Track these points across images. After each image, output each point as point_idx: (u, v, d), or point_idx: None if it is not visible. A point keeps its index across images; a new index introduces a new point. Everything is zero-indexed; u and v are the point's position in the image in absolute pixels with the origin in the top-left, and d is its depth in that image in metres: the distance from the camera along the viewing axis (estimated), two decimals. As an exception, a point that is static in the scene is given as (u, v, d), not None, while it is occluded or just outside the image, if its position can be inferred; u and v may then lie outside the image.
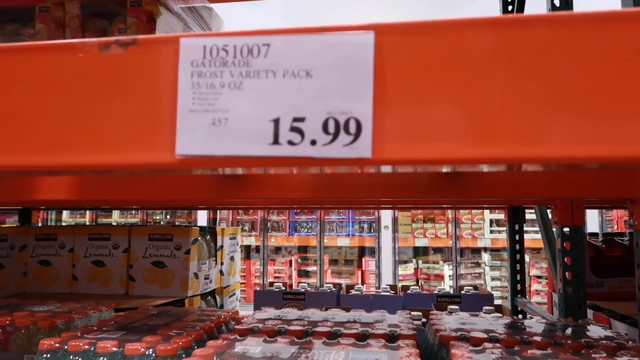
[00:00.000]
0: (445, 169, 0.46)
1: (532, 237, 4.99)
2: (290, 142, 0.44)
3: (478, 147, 0.42)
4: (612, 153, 0.41)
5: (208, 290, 1.99)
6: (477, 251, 5.95)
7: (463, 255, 5.90)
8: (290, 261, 5.63)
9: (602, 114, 0.40)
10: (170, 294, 1.80)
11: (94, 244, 1.90)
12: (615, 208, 2.19)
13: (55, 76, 0.49)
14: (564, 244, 1.58)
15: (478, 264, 5.73)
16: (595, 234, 2.29)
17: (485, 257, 5.58)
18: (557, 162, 0.42)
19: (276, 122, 0.45)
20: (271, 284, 2.15)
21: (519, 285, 2.14)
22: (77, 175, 1.18)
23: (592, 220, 4.96)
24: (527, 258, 5.72)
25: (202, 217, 5.40)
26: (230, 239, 2.24)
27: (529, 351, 0.89)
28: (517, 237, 2.14)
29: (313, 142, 0.44)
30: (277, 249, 6.11)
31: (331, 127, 0.44)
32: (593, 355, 0.89)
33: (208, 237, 2.06)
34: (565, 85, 0.40)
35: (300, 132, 0.44)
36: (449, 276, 5.40)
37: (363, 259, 5.66)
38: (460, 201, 1.52)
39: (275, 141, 0.45)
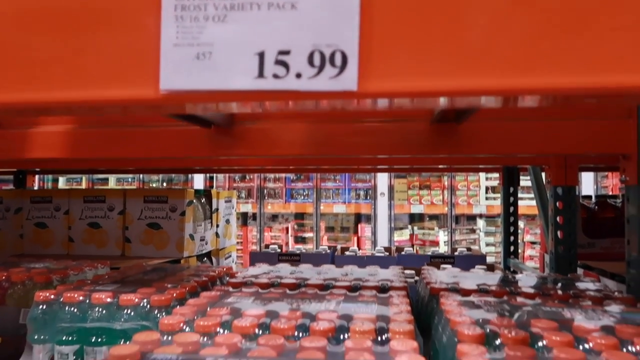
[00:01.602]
0: (441, 102, 0.45)
1: (527, 203, 5.02)
2: (276, 76, 0.44)
3: (468, 78, 0.42)
4: (611, 83, 0.40)
5: (204, 251, 2.01)
6: (472, 218, 6.00)
7: (458, 222, 5.95)
8: (287, 228, 5.67)
9: (600, 40, 0.40)
10: (166, 255, 1.82)
11: (89, 206, 1.91)
12: (609, 170, 2.20)
13: (36, 10, 0.48)
14: (557, 204, 1.59)
15: (473, 231, 5.79)
16: (589, 197, 2.31)
17: (480, 223, 5.63)
18: (553, 92, 0.41)
19: (261, 55, 0.44)
20: (267, 246, 2.17)
21: (512, 247, 2.16)
22: (66, 119, 1.18)
23: (588, 187, 4.99)
24: (521, 224, 5.78)
25: (198, 184, 5.41)
26: (226, 202, 2.25)
27: (518, 299, 0.91)
28: (511, 200, 2.15)
29: (298, 75, 0.43)
30: (274, 217, 6.15)
31: (316, 60, 0.43)
32: (580, 304, 0.90)
33: (203, 200, 2.07)
34: (560, 7, 0.40)
35: (285, 65, 0.44)
36: (444, 242, 5.46)
37: (359, 226, 5.70)
38: (456, 160, 1.52)
39: (260, 74, 0.44)
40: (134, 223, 1.88)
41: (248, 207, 5.63)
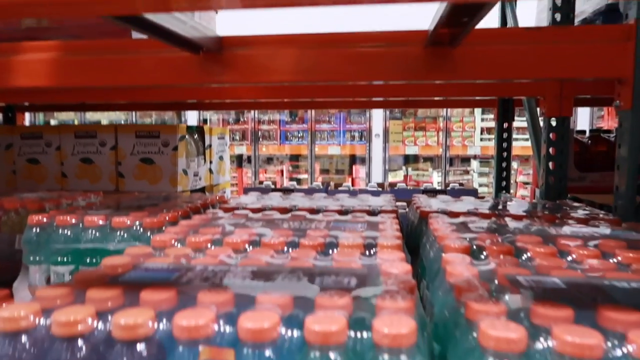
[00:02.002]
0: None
1: (521, 144, 5.04)
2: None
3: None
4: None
5: (197, 187, 2.02)
6: (466, 160, 6.02)
7: (452, 164, 5.98)
8: (282, 170, 5.68)
9: None
10: (159, 190, 1.82)
11: (80, 141, 1.89)
12: (605, 104, 2.18)
13: None
14: (550, 135, 1.59)
15: (467, 172, 5.82)
16: (583, 132, 2.31)
17: (474, 164, 5.65)
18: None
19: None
20: (261, 182, 2.18)
21: (504, 182, 2.18)
22: (51, 45, 1.15)
23: (583, 124, 4.99)
24: (514, 165, 5.81)
25: (191, 122, 5.36)
26: (219, 138, 2.24)
27: (506, 219, 0.92)
28: (505, 136, 2.15)
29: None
30: (269, 159, 6.14)
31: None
32: (566, 223, 0.92)
33: (196, 136, 2.05)
34: None
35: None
36: (438, 183, 5.50)
37: (353, 167, 5.73)
38: (451, 90, 1.50)
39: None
40: (127, 158, 1.87)
41: (242, 149, 5.61)
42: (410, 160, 6.02)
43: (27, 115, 2.52)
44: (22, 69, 1.19)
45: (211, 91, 1.61)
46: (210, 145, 2.15)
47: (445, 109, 5.51)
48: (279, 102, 1.94)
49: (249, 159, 5.80)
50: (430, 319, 0.64)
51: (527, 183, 5.42)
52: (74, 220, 0.93)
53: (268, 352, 0.45)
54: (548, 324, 0.45)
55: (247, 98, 1.61)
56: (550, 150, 1.59)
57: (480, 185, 5.53)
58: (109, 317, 0.47)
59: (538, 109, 1.84)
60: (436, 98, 1.77)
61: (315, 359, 0.44)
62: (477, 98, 1.82)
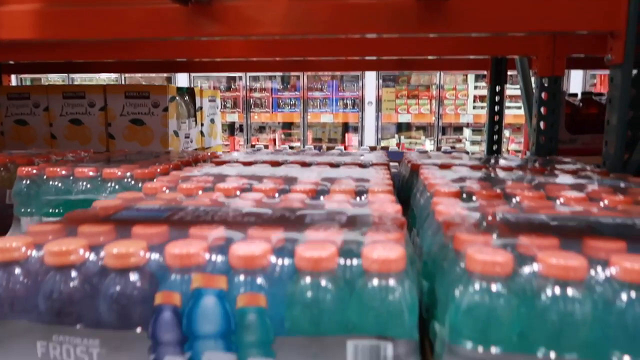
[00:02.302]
0: None
1: (514, 112, 5.04)
2: None
3: None
4: None
5: (189, 149, 2.01)
6: (459, 129, 6.02)
7: (445, 133, 5.97)
8: (274, 139, 5.66)
9: None
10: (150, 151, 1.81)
11: (69, 102, 1.87)
12: (597, 67, 2.18)
13: None
14: (542, 95, 1.59)
15: (459, 140, 5.83)
16: (574, 95, 2.31)
17: (467, 132, 5.66)
18: None
19: None
20: (253, 146, 2.17)
21: (495, 146, 2.18)
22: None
23: (576, 88, 4.98)
24: (507, 133, 5.83)
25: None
26: (210, 101, 2.21)
27: (496, 170, 0.93)
28: (497, 99, 2.14)
29: None
30: (261, 128, 6.10)
31: None
32: (556, 173, 0.93)
33: (187, 98, 2.03)
34: None
35: None
36: (430, 150, 5.51)
37: (346, 135, 5.71)
38: (445, 47, 1.49)
39: None
40: (117, 119, 1.86)
41: (234, 117, 5.57)
42: (402, 128, 6.01)
43: (13, 78, 2.47)
44: (4, 21, 1.16)
45: (201, 48, 1.59)
46: (201, 108, 2.13)
47: (438, 77, 5.48)
48: (270, 62, 1.92)
49: (240, 128, 5.77)
50: (420, 260, 0.65)
51: (518, 151, 5.44)
52: (64, 172, 0.92)
53: (259, 279, 0.46)
54: (533, 252, 0.46)
55: (238, 56, 1.58)
56: (542, 109, 1.59)
57: (473, 153, 5.55)
58: (101, 249, 0.48)
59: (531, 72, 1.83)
60: (430, 57, 1.75)
61: (305, 285, 0.45)
62: (471, 57, 1.81)
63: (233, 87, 5.68)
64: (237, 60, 1.95)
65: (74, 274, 0.47)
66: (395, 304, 0.44)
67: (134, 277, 0.46)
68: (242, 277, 0.46)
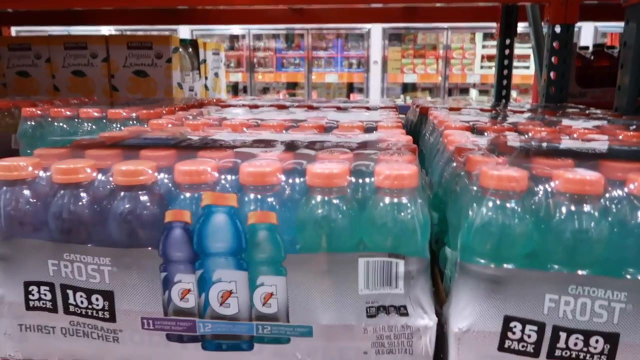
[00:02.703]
0: None
1: (521, 72, 4.95)
2: None
3: None
4: None
5: (193, 102, 1.99)
6: (465, 91, 5.93)
7: (451, 94, 5.90)
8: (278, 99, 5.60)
9: None
10: (155, 103, 1.80)
11: (70, 53, 1.84)
12: (610, 19, 2.12)
13: None
14: (553, 44, 1.54)
15: (465, 101, 5.76)
16: (586, 48, 2.25)
17: (473, 93, 5.58)
18: None
19: None
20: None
21: (503, 100, 2.15)
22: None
23: (586, 42, 4.88)
24: (514, 94, 5.75)
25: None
26: (214, 54, 2.18)
27: (507, 112, 0.91)
28: (506, 52, 2.09)
29: None
30: (265, 89, 6.04)
31: None
32: (568, 115, 0.91)
33: (190, 50, 2.00)
34: None
35: None
36: (436, 111, 5.45)
37: (351, 96, 5.65)
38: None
39: None
40: (120, 71, 1.83)
41: (238, 77, 5.50)
42: (408, 89, 5.93)
43: (13, 31, 2.43)
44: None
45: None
46: (205, 61, 2.09)
47: (445, 36, 5.37)
48: (272, 12, 1.87)
49: (244, 89, 5.70)
50: (430, 194, 0.65)
51: (525, 111, 5.38)
52: (68, 113, 0.91)
53: (270, 196, 0.45)
54: (548, 170, 0.45)
55: (241, 5, 1.54)
56: (553, 59, 1.55)
57: (478, 113, 5.49)
58: (110, 169, 0.47)
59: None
60: (437, 4, 1.70)
61: (317, 202, 0.44)
62: (480, 4, 1.76)
63: (236, 46, 5.59)
64: (239, 9, 1.91)
65: (82, 192, 0.46)
66: (408, 221, 0.43)
67: (143, 194, 0.46)
68: (252, 195, 0.45)
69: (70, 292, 0.48)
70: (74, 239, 0.46)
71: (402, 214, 0.43)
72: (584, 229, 0.41)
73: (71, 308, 0.48)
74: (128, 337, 0.48)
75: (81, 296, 0.48)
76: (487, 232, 0.42)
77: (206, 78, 2.12)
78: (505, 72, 2.13)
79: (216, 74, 2.23)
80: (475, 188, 0.46)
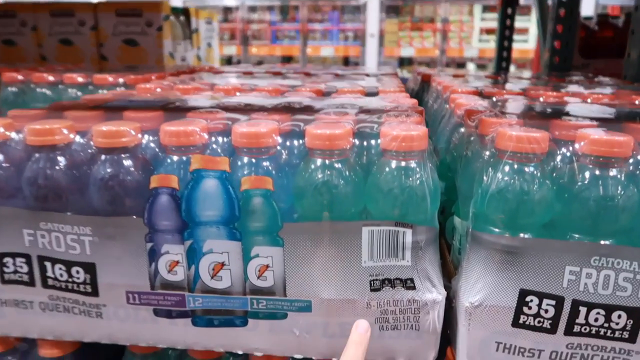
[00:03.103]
0: None
1: (520, 46, 4.87)
2: None
3: None
4: None
5: (186, 73, 1.93)
6: (462, 66, 5.85)
7: (449, 68, 5.82)
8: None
9: None
10: (145, 73, 1.73)
11: (57, 20, 1.76)
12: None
13: None
14: (559, 11, 1.49)
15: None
16: (589, 18, 2.20)
17: (471, 67, 5.50)
18: None
19: None
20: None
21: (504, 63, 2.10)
22: None
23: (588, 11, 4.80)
24: (512, 69, 5.68)
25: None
26: (207, 23, 2.10)
27: (510, 79, 0.87)
28: (507, 22, 2.04)
29: None
30: (260, 63, 5.93)
31: None
32: (575, 81, 0.87)
33: (182, 19, 1.93)
34: None
35: None
36: (433, 86, 5.38)
37: (347, 70, 5.55)
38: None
39: None
40: (109, 39, 1.76)
41: (232, 50, 5.39)
42: (405, 63, 5.84)
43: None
44: None
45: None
46: (197, 30, 2.02)
47: (443, 8, 5.26)
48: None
49: (238, 62, 5.60)
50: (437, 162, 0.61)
51: (523, 86, 5.33)
52: (51, 78, 0.86)
53: (265, 160, 0.41)
54: (571, 132, 0.41)
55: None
56: (558, 27, 1.50)
57: (476, 88, 5.43)
58: (90, 130, 0.43)
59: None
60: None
61: (317, 166, 0.40)
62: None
63: (230, 18, 5.47)
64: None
65: (59, 156, 0.42)
66: (417, 187, 0.40)
67: (126, 158, 0.41)
68: (246, 158, 0.41)
69: (48, 264, 0.44)
70: (51, 207, 0.42)
71: (411, 178, 0.39)
72: (611, 195, 0.37)
73: (50, 281, 0.45)
74: (112, 312, 0.45)
75: (60, 268, 0.44)
76: (503, 199, 0.39)
77: (198, 48, 2.05)
78: (506, 43, 2.07)
79: (209, 44, 2.16)
80: (489, 152, 0.42)
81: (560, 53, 1.51)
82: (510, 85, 0.79)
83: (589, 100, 0.65)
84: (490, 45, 5.22)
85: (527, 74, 1.12)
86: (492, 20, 5.13)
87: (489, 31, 5.36)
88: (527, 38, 4.94)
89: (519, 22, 4.49)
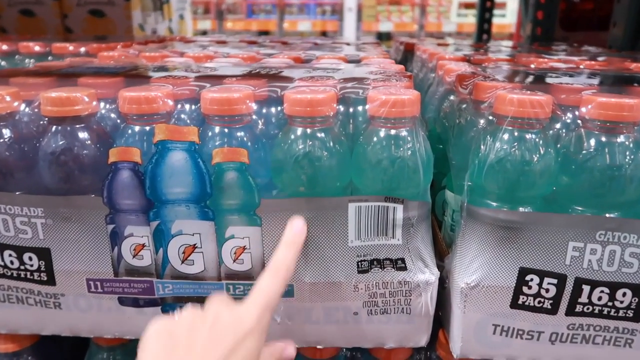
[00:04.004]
0: None
1: (498, 21, 4.84)
2: None
3: None
4: None
5: (157, 46, 1.84)
6: (441, 39, 5.81)
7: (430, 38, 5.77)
8: (249, 48, 5.38)
9: None
10: (114, 46, 1.65)
11: (17, -11, 1.66)
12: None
13: None
14: (541, -20, 1.46)
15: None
16: (569, -10, 2.17)
17: (450, 41, 5.46)
18: None
19: None
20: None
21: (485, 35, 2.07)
22: None
23: None
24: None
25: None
26: (178, -6, 2.01)
27: (499, 47, 0.83)
28: (488, -6, 2.00)
29: None
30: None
31: None
32: (562, 49, 0.84)
33: (151, -11, 1.83)
34: None
35: None
36: (412, 61, 5.34)
37: (325, 45, 5.46)
38: None
39: None
40: (74, 10, 1.66)
41: (206, 25, 5.23)
42: (383, 38, 5.76)
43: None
44: None
45: None
46: (168, 1, 1.93)
47: (421, -19, 5.19)
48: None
49: (213, 36, 5.44)
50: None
51: (500, 61, 5.32)
52: (5, 47, 0.79)
53: (240, 131, 0.37)
54: (575, 96, 0.38)
55: None
56: (540, -2, 1.47)
57: (454, 63, 5.40)
58: (39, 98, 0.38)
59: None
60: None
61: (297, 135, 0.36)
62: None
63: (203, -9, 5.29)
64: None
65: (3, 127, 0.37)
66: (408, 158, 0.36)
67: (80, 128, 0.36)
68: (217, 128, 0.37)
69: (-4, 250, 0.39)
70: (-5, 186, 0.37)
71: (401, 148, 0.36)
72: (618, 164, 0.34)
73: (-1, 269, 0.40)
74: (72, 302, 0.40)
75: (10, 255, 0.39)
76: (503, 169, 0.35)
77: (170, 20, 1.96)
78: (487, 15, 2.04)
79: (181, 16, 2.07)
80: (486, 119, 0.39)
81: (543, 24, 1.49)
82: (497, 53, 0.75)
83: (582, 67, 0.62)
84: (469, 19, 5.17)
85: (509, 44, 1.08)
86: (470, -6, 5.08)
87: (467, 5, 5.30)
88: (505, 13, 4.91)
89: (499, -3, 4.45)
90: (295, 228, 0.34)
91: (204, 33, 5.48)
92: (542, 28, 1.48)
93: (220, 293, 0.34)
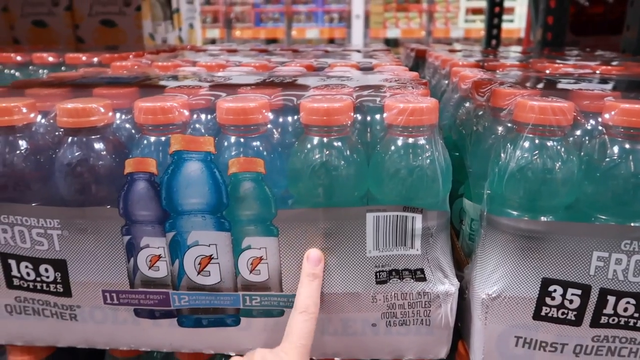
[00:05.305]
0: None
1: (505, 26, 4.83)
2: None
3: None
4: None
5: (167, 55, 1.85)
6: (449, 45, 5.81)
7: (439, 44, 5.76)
8: (258, 56, 5.40)
9: None
10: (125, 55, 1.66)
11: (29, 1, 1.68)
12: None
13: None
14: (552, -15, 1.45)
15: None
16: (579, -6, 2.16)
17: (458, 47, 5.45)
18: None
19: None
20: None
21: (494, 41, 2.06)
22: None
23: None
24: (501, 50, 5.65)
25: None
26: (187, 2, 2.02)
27: (510, 54, 0.83)
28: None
29: None
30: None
31: None
32: (575, 55, 0.83)
33: (161, -1, 1.85)
34: None
35: None
36: (420, 67, 5.34)
37: (333, 52, 5.47)
38: None
39: None
40: (85, 20, 1.68)
41: (215, 33, 5.26)
42: (391, 44, 5.77)
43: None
44: None
45: None
46: (178, 10, 1.95)
47: (429, -12, 5.19)
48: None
49: (222, 45, 5.48)
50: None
51: (509, 66, 5.30)
52: (19, 58, 0.80)
53: (256, 140, 0.36)
54: (598, 105, 0.37)
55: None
56: (550, 2, 1.46)
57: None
58: (54, 109, 0.37)
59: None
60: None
61: (314, 145, 0.36)
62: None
63: (212, 0, 5.34)
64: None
65: (20, 138, 0.37)
66: (427, 167, 0.35)
67: (96, 139, 0.36)
68: (233, 138, 0.36)
69: (12, 262, 0.39)
70: (12, 198, 0.37)
71: (420, 157, 0.35)
72: (645, 171, 0.33)
73: (15, 281, 0.40)
74: (88, 314, 0.40)
75: (27, 267, 0.39)
76: (524, 178, 0.35)
77: (180, 29, 1.98)
78: (496, 20, 2.03)
79: (191, 25, 2.09)
80: (506, 126, 0.38)
81: (553, 29, 1.48)
82: (509, 59, 0.75)
83: (597, 72, 0.61)
84: (477, 25, 5.17)
85: (519, 49, 1.08)
86: (478, 0, 5.07)
87: (475, 11, 5.30)
88: (513, 18, 4.90)
89: (508, 2, 4.45)
90: (312, 259, 0.34)
91: (213, 42, 5.52)
92: (552, 33, 1.48)
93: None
